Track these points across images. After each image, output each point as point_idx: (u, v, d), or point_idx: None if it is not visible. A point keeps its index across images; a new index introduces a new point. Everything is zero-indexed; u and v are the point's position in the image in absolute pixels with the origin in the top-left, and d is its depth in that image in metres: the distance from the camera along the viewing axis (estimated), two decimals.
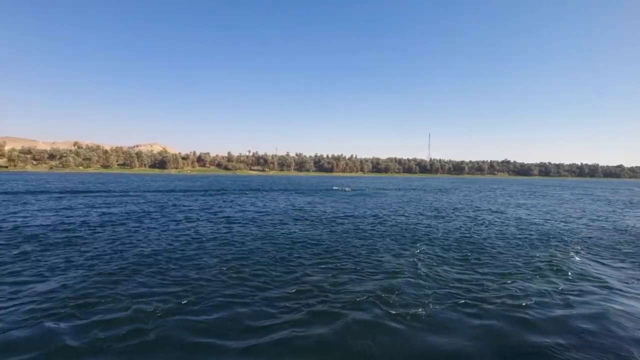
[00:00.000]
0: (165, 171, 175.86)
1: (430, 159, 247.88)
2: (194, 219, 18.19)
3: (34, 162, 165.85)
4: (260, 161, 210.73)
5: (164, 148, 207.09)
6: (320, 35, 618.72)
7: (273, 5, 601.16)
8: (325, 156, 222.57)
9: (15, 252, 10.55)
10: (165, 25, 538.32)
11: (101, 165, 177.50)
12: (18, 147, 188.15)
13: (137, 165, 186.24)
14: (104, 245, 11.64)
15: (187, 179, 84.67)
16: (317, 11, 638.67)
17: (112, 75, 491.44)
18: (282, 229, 15.64)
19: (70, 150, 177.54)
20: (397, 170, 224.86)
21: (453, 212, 22.98)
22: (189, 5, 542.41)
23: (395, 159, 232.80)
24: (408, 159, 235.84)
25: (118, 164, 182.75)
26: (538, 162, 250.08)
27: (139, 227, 15.54)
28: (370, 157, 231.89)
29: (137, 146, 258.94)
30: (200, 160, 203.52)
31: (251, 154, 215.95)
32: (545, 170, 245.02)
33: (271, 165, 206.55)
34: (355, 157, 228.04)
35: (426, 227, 16.70)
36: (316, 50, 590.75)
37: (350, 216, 20.21)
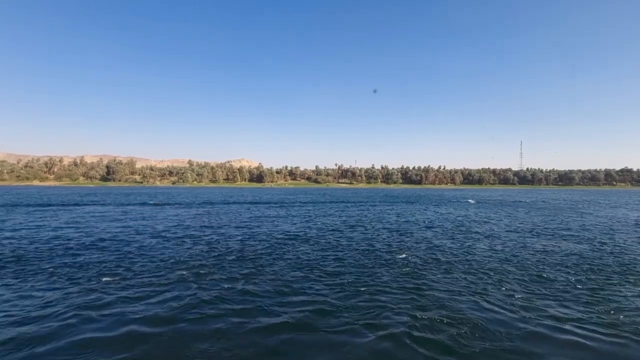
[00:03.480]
0: (267, 184, 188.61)
1: (527, 168, 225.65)
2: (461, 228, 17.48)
3: (159, 178, 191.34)
4: (348, 174, 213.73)
5: (260, 164, 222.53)
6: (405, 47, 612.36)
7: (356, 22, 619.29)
8: (412, 168, 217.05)
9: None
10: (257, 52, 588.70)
11: (209, 180, 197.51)
12: (139, 165, 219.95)
13: (239, 180, 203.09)
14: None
15: (305, 192, 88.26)
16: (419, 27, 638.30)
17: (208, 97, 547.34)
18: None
19: (187, 168, 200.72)
20: (492, 182, 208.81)
21: None
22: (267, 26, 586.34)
23: (489, 169, 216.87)
24: (503, 169, 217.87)
25: (223, 179, 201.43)
26: None
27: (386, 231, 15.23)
28: (460, 167, 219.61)
29: (229, 162, 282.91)
30: (292, 174, 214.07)
31: (337, 167, 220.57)
32: None
33: (359, 178, 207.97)
34: (444, 168, 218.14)
35: None
36: (394, 63, 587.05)
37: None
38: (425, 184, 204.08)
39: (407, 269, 9.49)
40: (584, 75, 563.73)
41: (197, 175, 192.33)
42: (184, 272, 8.89)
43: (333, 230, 17.32)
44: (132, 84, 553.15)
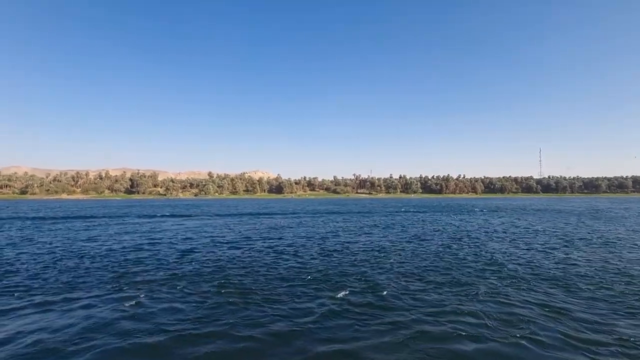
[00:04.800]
0: (287, 195, 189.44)
1: (550, 176, 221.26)
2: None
3: (181, 190, 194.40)
4: (366, 184, 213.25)
5: (278, 175, 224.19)
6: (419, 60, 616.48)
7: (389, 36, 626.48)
8: (431, 177, 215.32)
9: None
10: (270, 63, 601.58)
11: (230, 192, 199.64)
12: (161, 178, 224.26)
13: (258, 191, 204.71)
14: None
15: (333, 202, 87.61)
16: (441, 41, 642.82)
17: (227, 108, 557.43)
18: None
19: (208, 180, 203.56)
20: (514, 190, 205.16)
21: None
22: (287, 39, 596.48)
23: (510, 177, 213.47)
24: (525, 177, 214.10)
25: (243, 190, 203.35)
26: None
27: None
28: (481, 176, 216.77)
29: (244, 173, 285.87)
30: (310, 184, 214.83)
31: (355, 177, 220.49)
32: None
33: (378, 188, 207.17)
34: (464, 177, 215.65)
35: None
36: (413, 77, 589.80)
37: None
38: (445, 193, 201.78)
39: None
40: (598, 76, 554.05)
41: (217, 186, 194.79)
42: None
43: (445, 242, 17.04)
44: (147, 98, 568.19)
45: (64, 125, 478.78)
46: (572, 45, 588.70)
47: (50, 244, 17.78)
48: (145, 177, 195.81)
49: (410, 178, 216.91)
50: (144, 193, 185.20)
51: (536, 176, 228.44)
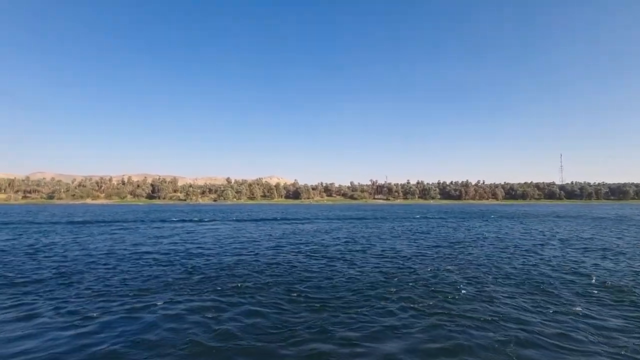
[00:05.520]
0: (305, 201, 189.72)
1: (573, 182, 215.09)
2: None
3: (201, 196, 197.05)
4: (383, 190, 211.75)
5: (295, 180, 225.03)
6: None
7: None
8: (449, 183, 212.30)
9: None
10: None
11: (247, 197, 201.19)
12: (180, 183, 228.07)
13: (276, 196, 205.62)
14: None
15: (354, 208, 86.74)
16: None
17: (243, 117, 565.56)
18: None
19: (226, 185, 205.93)
20: (536, 197, 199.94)
21: None
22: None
23: (531, 183, 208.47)
24: (547, 183, 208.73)
25: (260, 196, 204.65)
26: None
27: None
28: (501, 182, 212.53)
29: (260, 179, 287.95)
30: (327, 190, 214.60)
31: (371, 183, 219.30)
32: None
33: (395, 193, 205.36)
34: (484, 183, 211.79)
35: None
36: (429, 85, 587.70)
37: None
38: (465, 199, 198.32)
39: None
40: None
41: (236, 192, 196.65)
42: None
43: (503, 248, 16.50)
44: (163, 106, 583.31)
45: (86, 133, 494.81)
46: (596, 46, 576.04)
47: (111, 247, 18.32)
48: (165, 182, 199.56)
49: (428, 184, 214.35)
50: (164, 198, 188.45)
51: (558, 182, 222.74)
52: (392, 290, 9.67)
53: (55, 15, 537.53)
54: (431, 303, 8.41)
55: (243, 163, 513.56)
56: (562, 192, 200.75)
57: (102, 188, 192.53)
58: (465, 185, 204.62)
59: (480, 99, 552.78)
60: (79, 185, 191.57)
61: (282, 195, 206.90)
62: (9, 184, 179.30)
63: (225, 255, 15.38)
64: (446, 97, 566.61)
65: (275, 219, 43.99)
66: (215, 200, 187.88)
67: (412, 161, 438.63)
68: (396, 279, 11.09)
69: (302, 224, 35.91)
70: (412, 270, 12.48)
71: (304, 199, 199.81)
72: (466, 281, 10.64)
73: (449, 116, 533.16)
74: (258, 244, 19.44)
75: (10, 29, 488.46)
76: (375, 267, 12.96)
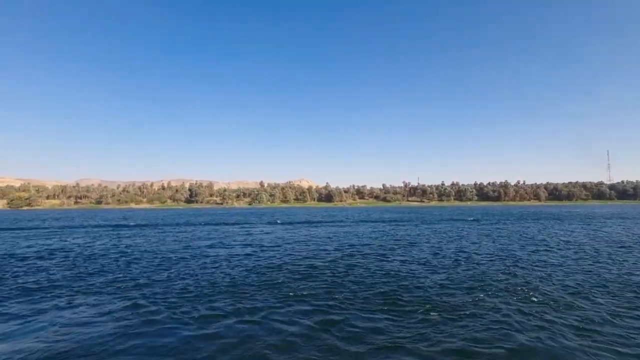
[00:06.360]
0: (338, 204, 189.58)
1: (624, 181, 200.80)
2: None
3: (236, 199, 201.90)
4: (417, 192, 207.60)
5: (327, 183, 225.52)
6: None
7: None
8: (487, 184, 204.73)
9: None
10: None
11: (281, 201, 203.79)
12: (215, 187, 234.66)
13: (308, 199, 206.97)
14: None
15: (394, 211, 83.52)
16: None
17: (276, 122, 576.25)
18: None
19: (260, 189, 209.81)
20: (583, 197, 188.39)
21: None
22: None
23: (577, 183, 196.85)
24: (595, 183, 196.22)
25: (293, 199, 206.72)
26: None
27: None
28: (543, 182, 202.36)
29: (290, 182, 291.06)
30: (359, 192, 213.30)
31: (404, 185, 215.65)
32: None
33: (430, 195, 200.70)
34: (524, 183, 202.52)
35: None
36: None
37: None
38: (504, 200, 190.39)
39: None
40: None
41: (269, 195, 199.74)
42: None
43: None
44: (194, 114, 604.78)
45: (129, 141, 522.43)
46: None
47: (208, 247, 19.18)
48: (202, 187, 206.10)
49: (463, 185, 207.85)
50: (201, 202, 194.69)
51: (606, 181, 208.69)
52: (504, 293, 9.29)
53: (101, 32, 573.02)
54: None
55: (273, 167, 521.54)
56: (612, 191, 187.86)
57: (144, 193, 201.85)
58: (505, 185, 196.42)
59: (518, 99, 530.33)
60: (124, 190, 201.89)
61: (314, 199, 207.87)
62: (62, 190, 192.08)
63: (325, 259, 15.17)
64: (479, 97, 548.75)
65: (320, 222, 43.87)
66: (250, 204, 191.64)
67: (444, 163, 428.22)
68: (497, 282, 10.61)
69: (353, 226, 35.52)
70: (515, 273, 11.97)
71: (337, 201, 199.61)
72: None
73: (482, 117, 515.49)
74: (326, 247, 19.24)
75: (56, 43, 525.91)
76: (470, 270, 12.55)
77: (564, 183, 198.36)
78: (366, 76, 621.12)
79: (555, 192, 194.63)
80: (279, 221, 45.34)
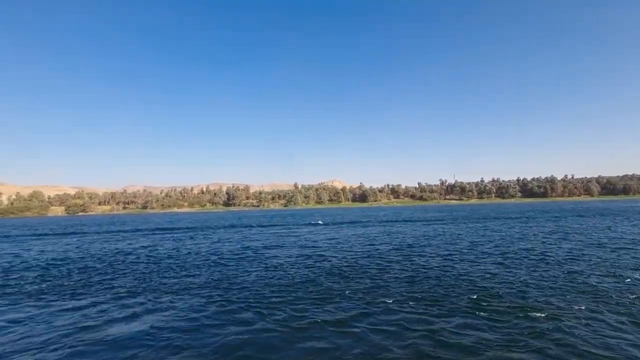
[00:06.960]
0: (373, 204, 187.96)
1: None
2: None
3: (271, 201, 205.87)
4: (455, 189, 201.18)
5: (361, 183, 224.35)
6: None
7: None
8: (531, 179, 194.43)
9: None
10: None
11: (315, 202, 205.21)
12: (252, 190, 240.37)
13: (343, 200, 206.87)
14: None
15: (439, 209, 79.04)
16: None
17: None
18: None
19: (295, 191, 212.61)
20: None
21: None
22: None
23: (634, 175, 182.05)
24: None
25: (327, 200, 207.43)
26: None
27: None
28: (594, 176, 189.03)
29: (322, 183, 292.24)
30: (394, 191, 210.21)
31: (440, 183, 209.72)
32: None
33: (469, 193, 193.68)
34: (573, 177, 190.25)
35: None
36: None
37: None
38: (551, 196, 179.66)
39: None
40: None
41: (304, 197, 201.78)
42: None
43: None
44: (227, 122, 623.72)
45: (168, 148, 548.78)
46: None
47: (275, 249, 19.88)
48: (239, 190, 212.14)
49: (505, 181, 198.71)
50: (239, 205, 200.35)
51: None
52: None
53: (134, 43, 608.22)
54: None
55: (305, 168, 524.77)
56: None
57: (185, 197, 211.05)
58: (551, 181, 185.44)
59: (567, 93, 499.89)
60: (166, 195, 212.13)
61: (348, 199, 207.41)
62: (112, 197, 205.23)
63: (389, 259, 15.26)
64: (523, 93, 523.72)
65: (362, 222, 43.55)
66: (285, 206, 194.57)
67: (482, 160, 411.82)
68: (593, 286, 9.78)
69: (396, 226, 34.92)
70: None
71: (371, 201, 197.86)
72: None
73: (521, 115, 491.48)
74: (382, 247, 19.25)
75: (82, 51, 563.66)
76: (549, 270, 11.93)
77: (618, 176, 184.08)
78: (398, 76, 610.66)
79: (608, 186, 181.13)
80: (320, 222, 45.32)
